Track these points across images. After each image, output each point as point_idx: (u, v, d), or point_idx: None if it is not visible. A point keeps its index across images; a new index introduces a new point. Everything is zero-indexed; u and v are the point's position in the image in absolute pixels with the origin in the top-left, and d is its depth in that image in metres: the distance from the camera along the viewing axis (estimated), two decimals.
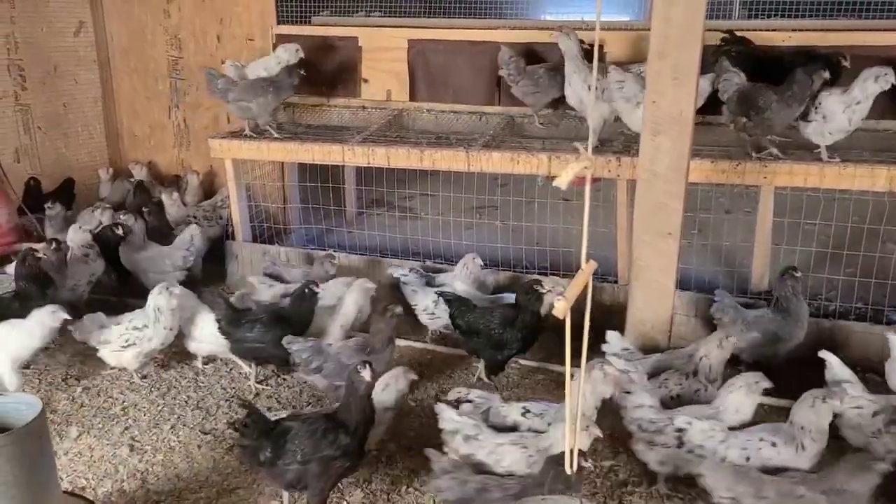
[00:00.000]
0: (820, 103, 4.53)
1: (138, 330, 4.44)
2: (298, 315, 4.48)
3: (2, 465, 2.71)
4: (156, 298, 4.47)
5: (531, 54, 5.68)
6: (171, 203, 6.34)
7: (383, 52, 6.13)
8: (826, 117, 4.53)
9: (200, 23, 6.90)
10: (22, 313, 4.37)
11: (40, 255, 4.81)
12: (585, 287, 2.11)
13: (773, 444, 3.28)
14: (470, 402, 3.61)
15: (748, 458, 3.28)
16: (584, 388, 3.35)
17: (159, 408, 4.35)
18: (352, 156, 5.51)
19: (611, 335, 4.18)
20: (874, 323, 4.65)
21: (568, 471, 2.13)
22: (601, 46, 5.49)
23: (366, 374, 3.28)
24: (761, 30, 5.44)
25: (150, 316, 4.46)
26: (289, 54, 5.86)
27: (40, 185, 6.73)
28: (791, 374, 4.05)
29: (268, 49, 6.49)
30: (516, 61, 5.42)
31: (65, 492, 3.25)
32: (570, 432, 2.13)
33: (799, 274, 4.35)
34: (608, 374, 3.43)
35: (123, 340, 4.44)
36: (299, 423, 3.32)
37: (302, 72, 5.68)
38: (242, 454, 3.40)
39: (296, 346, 4.15)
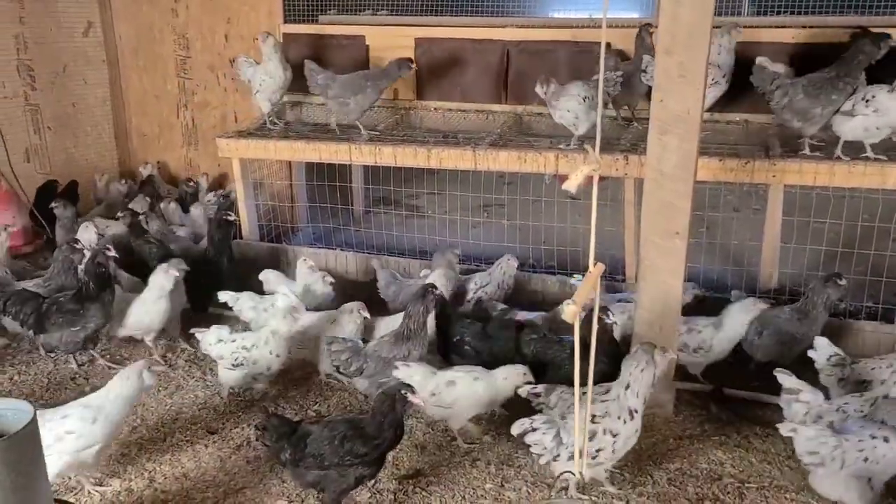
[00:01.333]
0: (873, 96, 4.42)
1: (247, 350, 4.22)
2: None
3: None
4: (278, 322, 4.25)
5: (539, 53, 5.68)
6: (199, 215, 6.35)
7: (390, 50, 6.11)
8: (878, 111, 4.42)
9: (208, 22, 6.91)
10: (79, 314, 4.48)
11: (113, 254, 4.78)
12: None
13: (886, 440, 3.23)
14: (535, 430, 3.47)
15: (867, 459, 3.23)
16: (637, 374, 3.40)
17: (167, 407, 4.37)
18: (359, 155, 5.51)
19: (819, 341, 4.01)
20: (885, 322, 4.62)
21: (576, 473, 2.13)
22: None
23: (415, 398, 3.28)
24: (770, 27, 5.41)
25: (262, 337, 4.25)
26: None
27: (56, 187, 6.74)
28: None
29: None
30: (615, 62, 5.27)
31: (56, 500, 3.24)
32: (579, 433, 2.13)
33: (843, 282, 4.28)
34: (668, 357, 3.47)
35: (234, 359, 4.23)
36: (321, 427, 3.32)
37: (413, 65, 5.57)
38: (268, 452, 3.43)
39: (335, 346, 4.12)
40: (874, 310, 4.76)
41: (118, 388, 3.60)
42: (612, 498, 3.54)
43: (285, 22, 6.51)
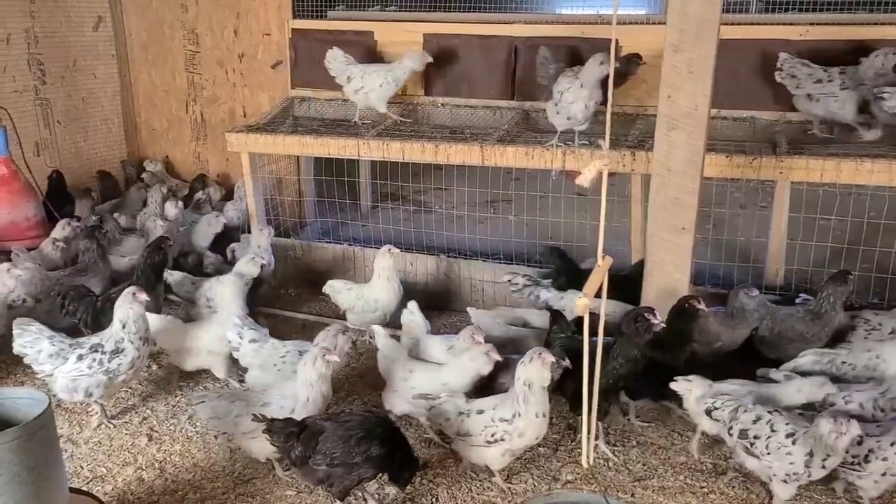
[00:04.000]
0: None
1: (507, 422, 3.41)
2: None
3: (10, 460, 2.74)
4: (526, 370, 3.37)
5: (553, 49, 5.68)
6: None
7: (399, 46, 6.13)
8: None
9: (217, 17, 6.95)
10: None
11: (171, 243, 4.81)
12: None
13: None
14: (717, 408, 3.55)
15: None
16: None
17: (177, 398, 4.41)
18: (367, 150, 5.54)
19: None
20: None
21: (584, 464, 2.16)
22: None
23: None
24: (778, 24, 5.42)
25: (519, 399, 3.39)
26: (414, 62, 5.69)
27: (63, 180, 6.81)
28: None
29: (283, 43, 6.53)
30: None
31: (71, 489, 3.29)
32: (585, 428, 2.16)
33: (851, 276, 4.29)
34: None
35: (489, 434, 3.44)
36: (334, 424, 3.31)
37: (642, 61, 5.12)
38: (277, 452, 3.43)
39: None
40: (880, 306, 4.76)
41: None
42: (617, 491, 3.58)
43: (294, 17, 6.54)
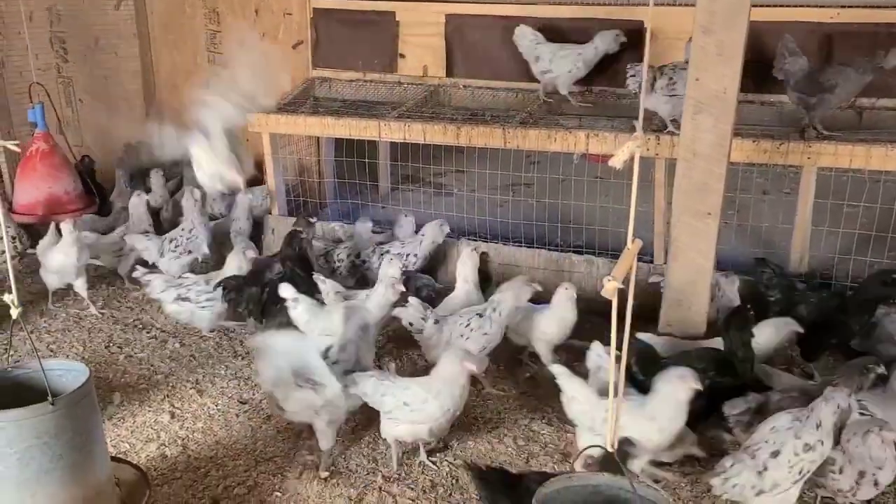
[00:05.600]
0: None
1: (811, 450, 2.97)
2: None
3: (64, 425, 2.84)
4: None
5: (571, 31, 5.62)
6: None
7: (420, 26, 6.09)
8: None
9: None
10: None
11: (304, 235, 4.79)
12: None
13: None
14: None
15: None
16: None
17: (199, 377, 4.45)
18: (388, 131, 5.52)
19: None
20: None
21: (609, 448, 2.16)
22: None
23: None
24: (807, 6, 5.31)
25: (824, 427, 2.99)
26: (605, 43, 5.39)
27: (93, 166, 6.80)
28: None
29: (305, 23, 6.50)
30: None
31: (112, 457, 3.35)
32: (612, 411, 2.15)
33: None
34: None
35: (797, 473, 2.98)
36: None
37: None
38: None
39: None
40: None
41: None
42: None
43: None
